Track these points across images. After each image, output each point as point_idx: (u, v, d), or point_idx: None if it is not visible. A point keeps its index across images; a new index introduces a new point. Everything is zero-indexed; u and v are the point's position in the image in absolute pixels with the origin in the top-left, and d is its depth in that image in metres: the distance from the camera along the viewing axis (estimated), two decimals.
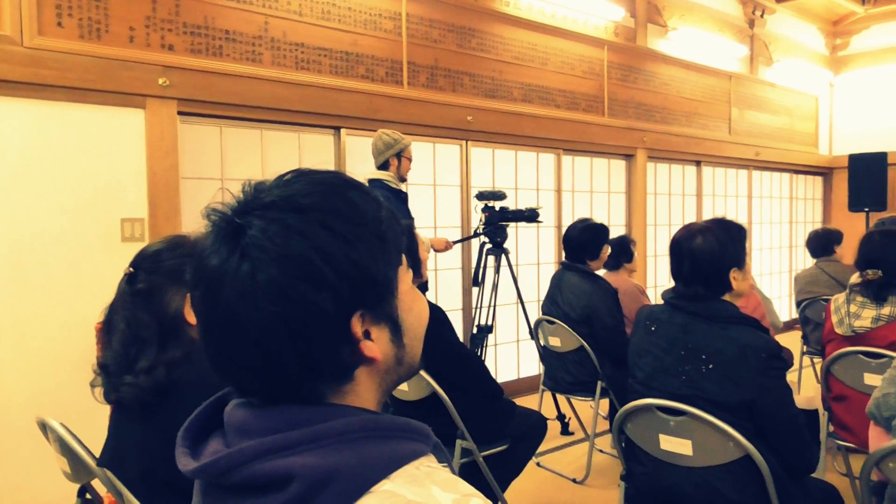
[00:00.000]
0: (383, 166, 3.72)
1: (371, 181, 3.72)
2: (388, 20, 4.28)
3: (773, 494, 1.77)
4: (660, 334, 1.93)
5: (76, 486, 1.72)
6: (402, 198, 3.79)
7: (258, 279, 0.69)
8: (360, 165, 4.07)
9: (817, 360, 4.45)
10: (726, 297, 1.91)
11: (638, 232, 6.17)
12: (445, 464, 0.84)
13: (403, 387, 2.62)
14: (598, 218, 5.67)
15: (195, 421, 0.79)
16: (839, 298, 2.84)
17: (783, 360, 1.81)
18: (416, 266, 2.65)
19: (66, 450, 1.57)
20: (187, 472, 0.71)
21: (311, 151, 4.05)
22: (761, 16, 7.55)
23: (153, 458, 1.42)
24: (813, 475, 2.03)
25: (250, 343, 0.70)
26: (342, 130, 4.12)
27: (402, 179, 3.82)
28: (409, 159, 3.80)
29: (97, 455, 1.55)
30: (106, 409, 1.57)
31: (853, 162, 7.87)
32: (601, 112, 5.75)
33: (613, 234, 4.44)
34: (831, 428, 2.91)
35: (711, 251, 1.86)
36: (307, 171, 0.78)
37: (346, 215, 0.74)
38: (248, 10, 3.68)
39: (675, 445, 1.87)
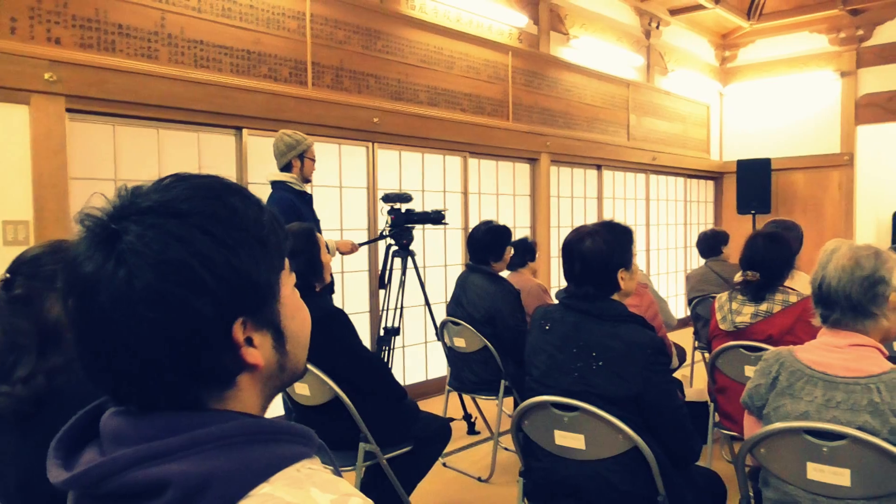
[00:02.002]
0: (286, 168, 3.67)
1: (274, 183, 3.67)
2: (291, 20, 4.22)
3: (659, 483, 1.87)
4: (554, 333, 2.00)
5: None
6: (306, 200, 3.75)
7: (135, 285, 0.67)
8: (263, 166, 4.00)
9: (707, 354, 4.70)
10: (615, 297, 2.00)
11: (542, 233, 6.34)
12: (330, 466, 0.85)
13: (305, 391, 2.60)
14: (504, 220, 5.80)
15: (69, 431, 0.76)
16: (723, 296, 3.01)
17: (667, 355, 1.91)
18: (318, 269, 2.63)
19: None
20: (58, 483, 0.69)
21: (212, 152, 3.94)
22: (657, 27, 7.91)
23: (32, 471, 1.35)
24: (698, 463, 2.16)
25: (127, 350, 0.69)
26: (244, 131, 4.03)
27: (307, 181, 3.78)
28: (313, 160, 3.77)
29: None
30: None
31: (741, 167, 8.37)
32: (506, 116, 5.87)
33: (518, 236, 4.55)
34: (717, 418, 3.09)
35: (600, 253, 1.94)
36: (187, 175, 0.77)
37: (226, 220, 0.73)
38: (143, 5, 3.54)
39: (568, 440, 1.94)
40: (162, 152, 3.73)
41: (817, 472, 1.61)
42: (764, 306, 2.79)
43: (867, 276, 1.66)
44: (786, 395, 1.70)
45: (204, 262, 0.69)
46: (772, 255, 2.81)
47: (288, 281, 0.84)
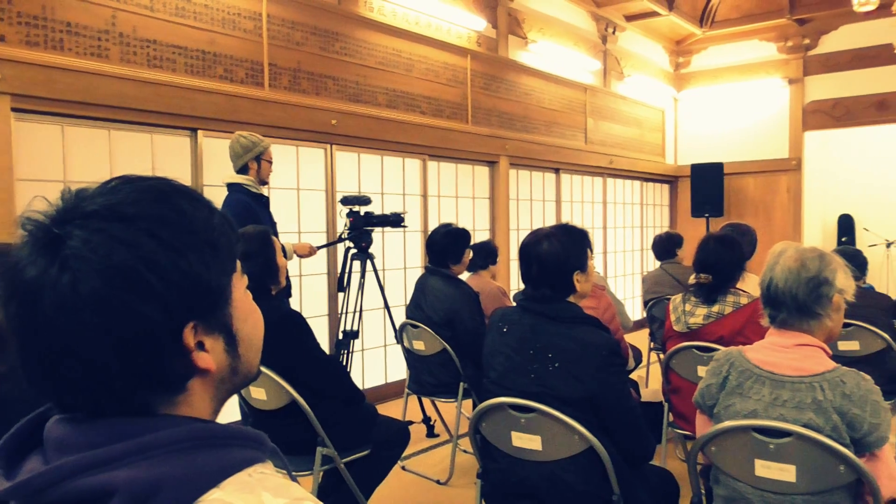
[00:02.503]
0: (243, 170, 3.63)
1: (230, 185, 3.62)
2: (247, 20, 4.18)
3: (614, 483, 1.89)
4: (511, 335, 2.01)
5: None
6: (263, 202, 3.70)
7: (80, 291, 0.66)
8: (219, 168, 3.94)
9: (662, 355, 4.78)
10: (571, 299, 2.03)
11: (501, 236, 6.38)
12: (284, 470, 0.84)
13: (262, 395, 2.57)
14: (464, 223, 5.81)
15: (10, 439, 0.75)
16: (677, 298, 3.07)
17: (622, 356, 1.94)
18: (274, 272, 2.60)
19: None
20: None
21: (166, 153, 3.87)
22: (613, 33, 8.04)
23: None
24: (653, 462, 2.20)
25: (73, 357, 0.68)
26: (199, 132, 3.97)
27: (263, 183, 3.73)
28: (270, 162, 3.73)
29: None
30: None
31: (695, 171, 8.56)
32: (465, 119, 5.90)
33: (478, 239, 4.57)
34: (671, 418, 3.15)
35: (556, 255, 1.97)
36: (133, 177, 0.76)
37: (174, 223, 0.73)
38: (92, 3, 3.46)
39: (525, 441, 1.95)
40: (114, 154, 3.65)
41: (764, 468, 1.65)
42: (716, 308, 2.86)
43: (812, 277, 1.71)
44: (735, 394, 1.75)
45: (151, 267, 0.69)
46: (723, 258, 2.87)
47: (240, 284, 0.83)
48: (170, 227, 0.72)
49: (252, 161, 3.61)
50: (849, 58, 8.18)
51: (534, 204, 7.07)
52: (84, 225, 0.68)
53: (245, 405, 2.74)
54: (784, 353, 1.71)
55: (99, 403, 0.70)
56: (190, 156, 3.99)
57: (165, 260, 0.70)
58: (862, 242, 9.02)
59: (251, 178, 3.61)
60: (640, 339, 5.53)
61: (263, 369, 2.48)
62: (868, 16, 6.53)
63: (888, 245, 8.19)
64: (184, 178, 3.92)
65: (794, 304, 1.71)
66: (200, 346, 0.75)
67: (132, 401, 0.71)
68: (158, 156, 3.83)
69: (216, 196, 3.76)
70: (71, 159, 3.48)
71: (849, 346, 3.54)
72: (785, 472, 1.63)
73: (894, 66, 7.32)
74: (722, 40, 8.99)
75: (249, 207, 3.54)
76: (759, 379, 1.71)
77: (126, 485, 0.64)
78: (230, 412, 3.96)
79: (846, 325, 3.51)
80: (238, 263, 0.83)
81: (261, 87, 4.26)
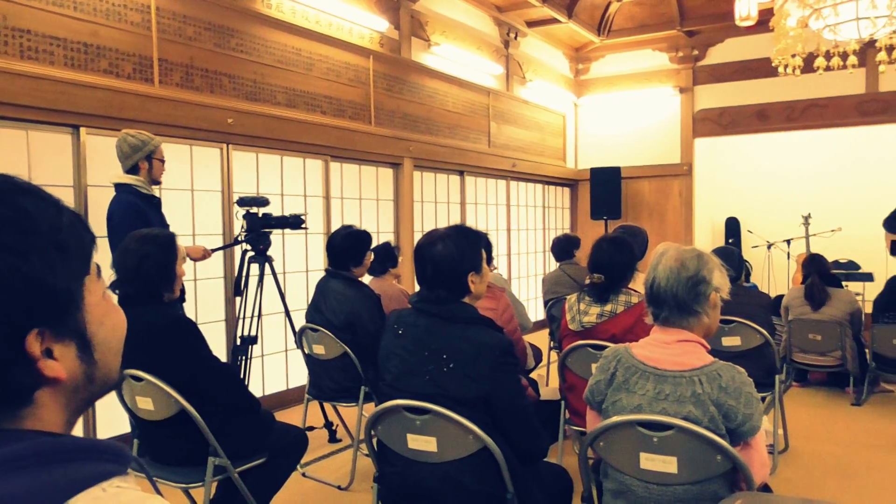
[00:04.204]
0: (132, 170, 3.47)
1: (118, 186, 3.45)
2: (134, 12, 3.98)
3: (508, 481, 1.91)
4: (407, 337, 2.00)
5: None
6: (154, 203, 3.55)
7: None
8: (107, 168, 3.74)
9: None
10: (466, 300, 2.04)
11: (406, 238, 6.37)
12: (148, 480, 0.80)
13: (149, 405, 2.45)
14: (368, 225, 5.76)
15: None
16: (572, 298, 3.15)
17: (515, 356, 1.96)
18: (171, 280, 2.49)
19: None
20: None
21: (44, 151, 3.63)
22: (515, 38, 8.20)
23: None
24: (549, 459, 2.24)
25: None
26: (82, 129, 3.75)
27: (155, 183, 3.58)
28: (162, 161, 3.58)
29: None
30: None
31: (594, 175, 8.85)
32: (368, 120, 5.86)
33: (382, 241, 4.54)
34: (568, 415, 3.22)
35: (451, 257, 1.97)
36: None
37: (14, 224, 0.68)
38: None
39: (421, 443, 1.95)
40: None
41: (649, 461, 1.71)
42: (608, 307, 2.95)
43: (691, 276, 1.78)
44: (622, 389, 1.80)
45: None
46: (615, 259, 2.97)
47: (95, 287, 0.78)
48: (9, 229, 0.67)
49: (142, 161, 3.47)
50: (733, 69, 8.67)
51: (438, 206, 7.10)
52: None
53: (131, 416, 2.61)
54: (666, 349, 1.77)
55: None
56: (72, 154, 3.76)
57: (3, 264, 0.65)
58: (746, 244, 9.59)
59: (141, 178, 3.46)
60: (541, 339, 5.65)
61: (151, 378, 2.37)
62: (750, 30, 6.94)
63: (769, 246, 8.73)
64: (65, 177, 3.71)
65: (675, 302, 1.78)
66: (48, 353, 0.70)
67: None
68: (36, 154, 3.59)
69: (103, 197, 3.57)
70: None
71: (731, 341, 3.74)
72: (667, 464, 1.70)
73: (773, 79, 7.81)
74: (619, 49, 9.34)
75: (138, 209, 3.39)
76: (644, 374, 1.77)
77: None
78: (121, 423, 3.76)
79: (729, 322, 3.71)
80: (94, 265, 0.78)
81: (150, 84, 4.07)
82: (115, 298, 2.32)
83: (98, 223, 3.64)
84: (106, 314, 0.79)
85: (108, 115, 3.80)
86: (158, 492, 0.80)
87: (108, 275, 2.45)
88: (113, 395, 2.61)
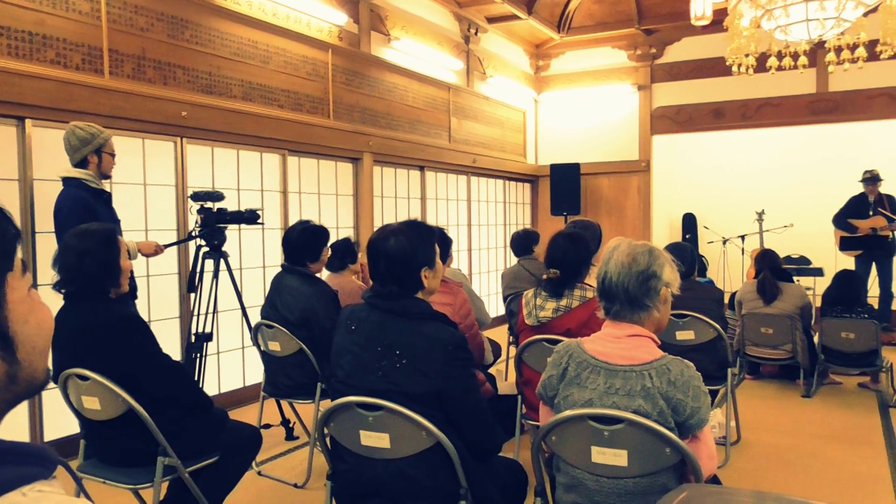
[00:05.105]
0: (81, 164, 3.37)
1: (66, 180, 3.36)
2: (83, 1, 3.86)
3: (461, 477, 1.91)
4: (360, 332, 1.98)
5: None
6: (104, 198, 3.46)
7: None
8: (54, 161, 3.63)
9: None
10: (420, 295, 2.02)
11: (366, 234, 6.32)
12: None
13: (95, 405, 2.38)
14: (327, 220, 5.72)
15: None
16: (529, 293, 3.17)
17: (468, 351, 1.96)
18: (115, 275, 2.43)
19: None
20: None
21: None
22: (475, 34, 8.20)
23: None
24: (506, 454, 2.24)
25: None
26: (27, 121, 3.63)
27: (105, 177, 3.49)
28: (112, 155, 3.49)
29: None
30: None
31: (554, 171, 8.91)
32: (327, 114, 5.80)
33: (342, 236, 4.49)
34: (524, 410, 3.24)
35: (404, 251, 1.95)
36: None
37: None
38: None
39: (374, 440, 1.93)
40: None
41: (600, 454, 1.72)
42: (564, 301, 2.97)
43: (642, 271, 1.80)
44: (574, 384, 1.81)
45: None
46: (570, 254, 2.99)
47: (19, 284, 0.75)
48: None
49: (92, 154, 3.38)
50: (690, 68, 8.81)
51: (399, 201, 7.07)
52: None
53: (77, 416, 2.54)
54: (617, 343, 1.79)
55: None
56: (17, 147, 3.64)
57: None
58: (703, 239, 9.78)
59: (91, 172, 3.38)
60: (501, 334, 5.68)
61: (97, 377, 2.31)
62: (705, 30, 7.06)
63: (724, 242, 8.90)
64: (10, 171, 3.59)
65: (626, 296, 1.79)
66: None
67: None
68: None
69: (50, 191, 3.47)
70: None
71: (685, 335, 3.80)
72: (618, 457, 1.71)
73: (728, 78, 7.95)
74: (578, 46, 9.41)
75: (87, 203, 3.30)
76: (595, 369, 1.78)
77: None
78: (70, 425, 3.67)
79: (682, 316, 3.77)
80: (18, 261, 0.75)
81: (100, 75, 3.96)
82: (51, 296, 2.26)
83: (45, 218, 3.54)
84: (31, 312, 0.76)
85: (56, 107, 3.69)
86: (87, 496, 0.77)
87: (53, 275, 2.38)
88: (59, 395, 2.54)
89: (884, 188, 7.04)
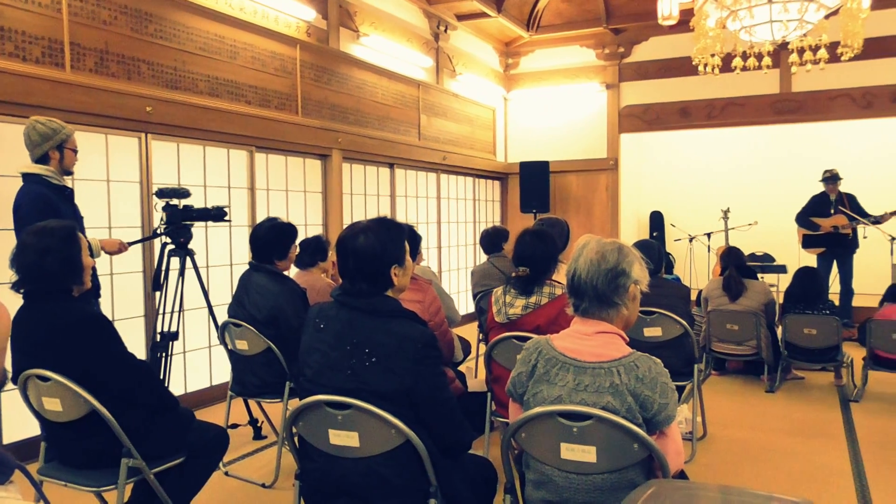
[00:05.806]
0: (42, 159, 3.29)
1: (26, 176, 3.28)
2: None
3: (431, 474, 1.91)
4: (328, 331, 1.96)
5: None
6: (66, 195, 3.39)
7: None
8: (14, 157, 3.54)
9: None
10: (389, 293, 2.01)
11: (335, 231, 6.28)
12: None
13: (56, 406, 2.33)
14: (295, 217, 5.66)
15: None
16: (498, 290, 3.17)
17: (437, 349, 1.95)
18: (77, 272, 2.37)
19: None
20: None
21: None
22: (445, 31, 8.19)
23: None
24: (476, 452, 2.24)
25: None
26: None
27: (67, 173, 3.42)
28: (75, 151, 3.42)
29: None
30: None
31: (523, 168, 8.95)
32: (295, 111, 5.74)
33: (311, 234, 4.45)
34: (494, 407, 3.24)
35: (373, 249, 1.94)
36: None
37: None
38: None
39: (343, 439, 1.91)
40: None
41: (569, 451, 1.73)
42: (533, 298, 2.98)
43: (611, 268, 1.81)
44: (543, 381, 1.81)
45: None
46: (538, 251, 3.00)
47: None
48: None
49: (53, 150, 3.30)
50: (657, 67, 8.91)
51: (368, 199, 7.04)
52: None
53: (38, 418, 2.48)
54: (586, 340, 1.80)
55: None
56: None
57: None
58: (670, 237, 9.90)
59: (52, 168, 3.30)
60: (471, 332, 5.68)
61: (58, 377, 2.25)
62: (672, 30, 7.14)
63: (691, 239, 9.03)
64: None
65: (595, 293, 1.80)
66: None
67: None
68: None
69: (9, 188, 3.38)
70: None
71: (653, 332, 3.85)
72: (587, 454, 1.72)
73: (694, 77, 8.07)
74: (547, 44, 9.46)
75: (48, 200, 3.23)
76: (564, 366, 1.78)
77: None
78: (31, 426, 3.58)
79: (650, 313, 3.81)
80: None
81: (61, 69, 3.87)
82: (8, 296, 2.20)
83: (4, 215, 3.45)
84: None
85: (14, 101, 3.60)
86: (46, 500, 0.75)
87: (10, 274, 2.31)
88: (18, 397, 2.48)
89: (843, 187, 7.20)
